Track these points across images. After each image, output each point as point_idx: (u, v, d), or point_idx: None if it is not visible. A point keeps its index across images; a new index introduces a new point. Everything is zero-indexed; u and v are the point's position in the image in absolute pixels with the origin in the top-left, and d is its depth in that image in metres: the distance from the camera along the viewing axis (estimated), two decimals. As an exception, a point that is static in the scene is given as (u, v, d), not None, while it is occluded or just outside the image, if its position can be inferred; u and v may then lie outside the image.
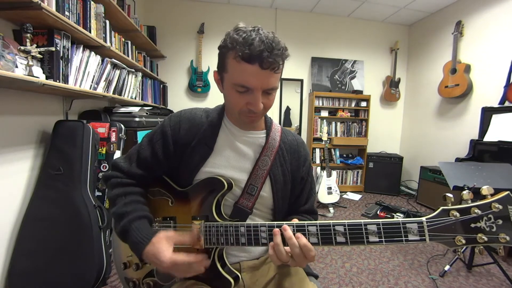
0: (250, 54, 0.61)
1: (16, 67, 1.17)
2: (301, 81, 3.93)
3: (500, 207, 0.50)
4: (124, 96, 2.23)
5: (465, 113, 3.11)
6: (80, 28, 1.54)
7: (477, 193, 0.53)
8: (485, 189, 0.51)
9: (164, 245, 0.64)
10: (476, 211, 0.51)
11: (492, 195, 0.51)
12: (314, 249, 0.59)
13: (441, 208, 0.53)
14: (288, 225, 0.62)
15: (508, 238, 0.49)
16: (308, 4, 3.62)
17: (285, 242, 0.61)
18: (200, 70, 3.53)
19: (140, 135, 2.03)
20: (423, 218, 0.53)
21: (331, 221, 0.59)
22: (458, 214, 0.52)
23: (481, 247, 0.52)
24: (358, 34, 3.99)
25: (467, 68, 2.98)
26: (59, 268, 1.34)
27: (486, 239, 0.50)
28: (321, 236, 0.59)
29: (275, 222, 0.63)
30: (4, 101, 1.33)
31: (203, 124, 0.78)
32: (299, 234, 0.60)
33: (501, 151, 2.35)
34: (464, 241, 0.51)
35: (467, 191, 0.52)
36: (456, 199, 0.53)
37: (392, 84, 4.03)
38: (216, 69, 0.74)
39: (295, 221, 0.63)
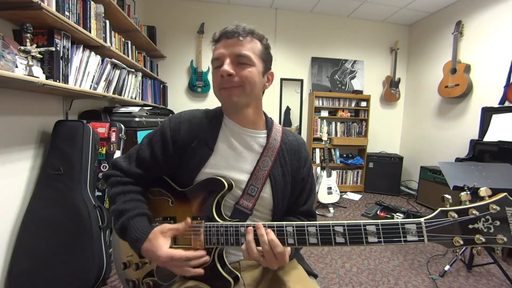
0: (218, 35, 0.74)
1: (16, 67, 1.17)
2: (301, 81, 3.93)
3: (498, 208, 0.50)
4: (124, 96, 2.23)
5: (465, 113, 3.11)
6: (80, 28, 1.54)
7: (475, 195, 0.53)
8: (483, 191, 0.51)
9: (161, 240, 0.65)
10: (474, 212, 0.51)
11: (490, 196, 0.51)
12: (282, 247, 0.61)
13: (439, 209, 0.53)
14: (288, 226, 0.62)
15: (505, 239, 0.49)
16: (308, 4, 3.62)
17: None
18: (200, 70, 3.53)
19: (140, 135, 2.03)
20: (422, 219, 0.53)
21: (331, 222, 0.59)
22: (456, 215, 0.52)
23: (479, 248, 0.52)
24: (358, 34, 3.98)
25: (467, 68, 2.98)
26: (59, 268, 1.34)
27: (483, 240, 0.50)
28: (320, 236, 0.59)
29: (275, 223, 0.63)
30: (4, 101, 1.33)
31: (203, 125, 0.79)
32: (268, 230, 0.62)
33: (501, 151, 2.35)
34: (462, 242, 0.51)
35: (465, 192, 0.52)
36: (455, 200, 0.53)
37: (392, 84, 4.03)
38: None
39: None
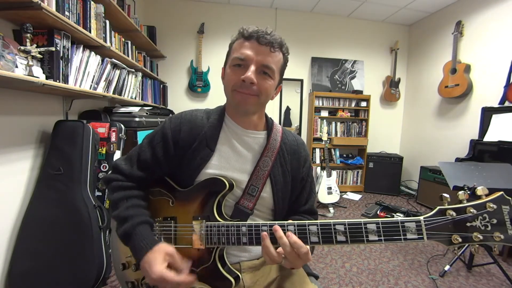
0: (250, 32, 0.70)
1: (16, 67, 1.17)
2: (301, 81, 3.93)
3: (495, 206, 0.51)
4: (124, 96, 2.23)
5: (465, 113, 3.11)
6: (80, 28, 1.55)
7: (473, 194, 0.54)
8: (480, 190, 0.52)
9: (161, 258, 0.64)
10: (471, 210, 0.52)
11: (487, 195, 0.52)
12: (307, 247, 0.59)
13: (438, 207, 0.54)
14: (289, 225, 0.62)
15: (502, 236, 0.50)
16: (308, 4, 3.62)
17: (276, 243, 0.61)
18: (200, 70, 3.53)
19: (140, 135, 2.03)
20: (421, 217, 0.54)
21: (332, 221, 0.59)
22: (454, 214, 0.53)
23: (477, 245, 0.52)
24: (358, 34, 3.99)
25: (467, 68, 2.98)
26: (59, 268, 1.35)
27: (481, 237, 0.51)
28: (321, 235, 0.60)
29: (276, 222, 0.63)
30: (4, 101, 1.33)
31: (204, 126, 0.78)
32: (289, 233, 0.61)
33: (501, 151, 2.35)
34: (460, 240, 0.52)
35: (463, 191, 0.53)
36: (454, 199, 0.54)
37: (392, 84, 4.03)
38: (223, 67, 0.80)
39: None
